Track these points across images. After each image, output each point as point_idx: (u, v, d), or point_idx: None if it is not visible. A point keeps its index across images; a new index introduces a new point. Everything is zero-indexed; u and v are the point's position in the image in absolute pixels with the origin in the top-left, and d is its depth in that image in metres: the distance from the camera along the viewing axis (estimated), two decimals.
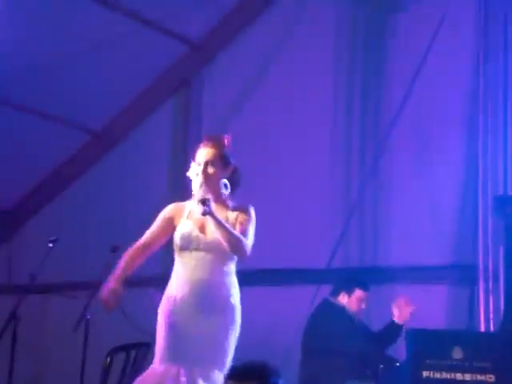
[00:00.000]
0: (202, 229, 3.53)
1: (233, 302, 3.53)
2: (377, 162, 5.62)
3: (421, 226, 5.44)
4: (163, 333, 3.50)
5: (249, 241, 3.54)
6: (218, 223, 3.45)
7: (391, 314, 4.86)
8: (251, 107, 6.23)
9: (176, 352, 3.45)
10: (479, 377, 3.92)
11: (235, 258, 3.58)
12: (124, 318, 4.31)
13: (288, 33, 6.15)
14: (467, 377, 3.94)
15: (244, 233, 3.53)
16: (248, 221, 3.58)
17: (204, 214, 3.41)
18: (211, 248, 3.50)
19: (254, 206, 5.89)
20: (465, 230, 5.25)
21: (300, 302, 5.38)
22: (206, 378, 3.37)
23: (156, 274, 6.01)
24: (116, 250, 4.86)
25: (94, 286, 5.08)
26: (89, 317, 4.96)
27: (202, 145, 3.65)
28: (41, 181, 6.85)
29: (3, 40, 5.42)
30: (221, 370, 3.42)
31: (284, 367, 4.33)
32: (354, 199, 5.69)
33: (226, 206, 3.62)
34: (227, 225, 3.49)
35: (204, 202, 3.41)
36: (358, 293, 4.90)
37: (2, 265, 6.85)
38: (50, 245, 4.88)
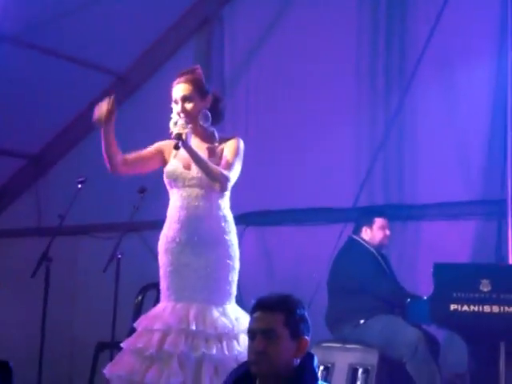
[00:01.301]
0: (188, 166, 3.49)
1: (225, 236, 3.49)
2: (402, 99, 5.55)
3: (447, 162, 5.40)
4: (161, 273, 3.53)
5: (232, 173, 3.46)
6: (194, 157, 3.38)
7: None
8: (273, 45, 6.15)
9: (172, 292, 3.46)
10: (507, 309, 3.96)
11: (227, 191, 3.51)
12: (153, 258, 4.36)
13: None
14: (495, 309, 3.98)
15: (227, 165, 3.45)
16: (233, 153, 3.49)
17: (176, 147, 3.35)
18: (197, 183, 3.46)
19: (278, 145, 5.93)
20: (493, 164, 5.20)
21: (326, 240, 5.41)
22: (203, 315, 3.36)
23: None
24: (143, 192, 4.92)
25: (123, 227, 5.17)
26: (120, 256, 5.05)
27: (175, 82, 3.55)
28: (67, 124, 6.88)
29: None
30: (218, 306, 3.42)
31: (311, 305, 4.43)
32: (380, 137, 5.65)
33: (212, 138, 3.56)
34: (204, 158, 3.41)
35: (179, 136, 3.33)
36: (379, 221, 4.92)
37: (31, 208, 6.94)
38: (79, 185, 4.92)
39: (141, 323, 3.49)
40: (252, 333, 2.50)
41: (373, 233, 4.91)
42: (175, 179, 3.51)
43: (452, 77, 5.44)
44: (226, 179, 3.43)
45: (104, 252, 5.22)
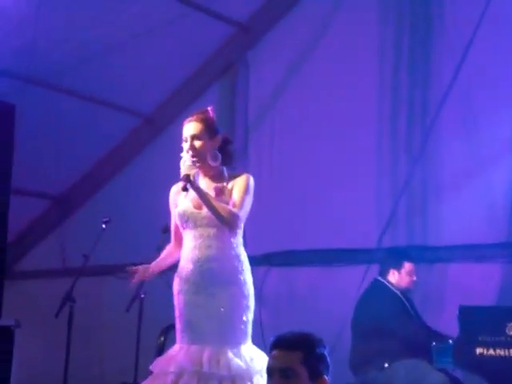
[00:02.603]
0: (199, 206, 3.48)
1: (239, 275, 3.46)
2: (426, 139, 5.55)
3: (472, 203, 5.35)
4: (176, 314, 3.53)
5: (242, 211, 3.44)
6: (202, 197, 3.39)
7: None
8: (296, 89, 6.22)
9: (186, 333, 3.45)
10: None
11: (239, 229, 3.49)
12: None
13: (331, 13, 6.10)
14: None
15: (236, 203, 3.44)
16: (242, 190, 3.47)
17: (184, 189, 3.37)
18: (209, 223, 3.44)
19: (303, 186, 5.95)
20: None
21: (350, 281, 5.37)
22: (217, 357, 3.32)
23: None
24: (167, 231, 4.93)
25: None
26: (143, 296, 5.04)
27: (186, 121, 3.59)
28: (93, 166, 6.97)
29: (55, 27, 5.53)
30: (232, 347, 3.38)
31: (335, 346, 4.38)
32: (403, 178, 5.64)
33: (222, 177, 3.55)
34: (212, 197, 3.41)
35: (186, 177, 3.35)
36: (407, 266, 4.88)
37: (56, 249, 6.99)
38: (103, 225, 4.96)
39: (156, 366, 3.48)
40: (270, 371, 2.47)
41: (400, 276, 4.87)
42: (186, 220, 3.50)
43: (476, 118, 5.43)
44: (236, 217, 3.42)
45: (128, 292, 5.22)
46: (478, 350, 4.02)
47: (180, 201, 3.58)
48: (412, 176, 5.59)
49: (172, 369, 3.35)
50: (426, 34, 5.75)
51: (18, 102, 5.18)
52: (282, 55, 6.32)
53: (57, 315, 4.88)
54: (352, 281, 5.34)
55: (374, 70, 5.89)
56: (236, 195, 3.47)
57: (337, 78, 6.00)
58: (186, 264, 3.50)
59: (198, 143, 3.50)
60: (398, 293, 4.84)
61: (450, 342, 4.29)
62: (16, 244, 7.00)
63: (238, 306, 3.44)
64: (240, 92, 6.51)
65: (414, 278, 4.89)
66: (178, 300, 3.52)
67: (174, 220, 3.63)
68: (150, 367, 3.51)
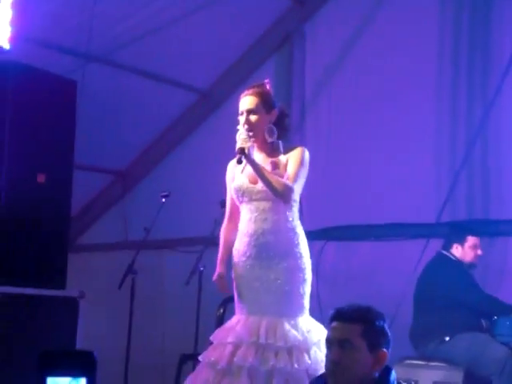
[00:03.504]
0: (254, 180, 3.48)
1: (295, 248, 3.46)
2: (486, 113, 5.44)
3: None
4: (234, 286, 3.57)
5: (297, 184, 3.44)
6: (257, 171, 3.39)
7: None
8: (353, 64, 6.15)
9: (244, 305, 3.50)
10: None
11: (294, 202, 3.48)
12: None
13: None
14: None
15: (291, 176, 3.43)
16: (297, 164, 3.46)
17: (239, 162, 3.37)
18: (264, 197, 3.45)
19: (361, 160, 5.91)
20: None
21: (409, 256, 5.34)
22: (274, 328, 3.36)
23: None
24: (224, 205, 4.99)
25: (206, 240, 5.26)
26: (202, 269, 5.13)
27: (242, 94, 3.57)
28: (152, 141, 7.06)
29: (111, 5, 5.59)
30: (290, 318, 3.40)
31: (393, 320, 4.37)
32: (462, 151, 5.55)
33: (277, 151, 3.53)
34: (267, 171, 3.40)
35: (241, 150, 3.35)
36: (471, 240, 4.83)
37: (118, 223, 7.13)
38: (163, 199, 5.05)
39: (216, 336, 3.54)
40: (329, 343, 2.50)
41: (464, 251, 4.84)
42: (242, 194, 3.53)
43: None
44: (290, 190, 3.42)
45: (188, 265, 5.32)
46: None
47: (237, 176, 3.60)
48: (472, 150, 5.49)
49: (230, 339, 3.41)
50: (487, 6, 5.60)
51: (79, 79, 5.28)
52: (339, 27, 6.24)
53: (120, 286, 5.02)
54: (411, 255, 5.30)
55: (432, 44, 5.77)
56: (290, 168, 3.46)
57: (394, 52, 5.90)
58: (242, 237, 3.53)
59: (253, 117, 3.49)
60: (463, 265, 4.80)
61: None
62: (79, 218, 7.16)
63: (295, 279, 3.46)
64: (297, 65, 6.48)
65: (479, 253, 4.84)
66: (236, 272, 3.56)
67: (230, 195, 3.65)
68: (210, 338, 3.58)
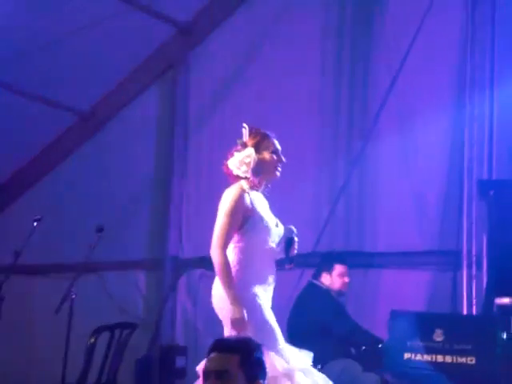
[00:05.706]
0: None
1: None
2: (363, 148, 5.62)
3: (405, 212, 5.46)
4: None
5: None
6: None
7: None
8: (238, 88, 6.21)
9: None
10: (460, 359, 3.97)
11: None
12: (109, 299, 4.30)
13: (274, 19, 6.13)
14: (448, 359, 3.99)
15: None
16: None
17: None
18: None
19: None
20: (449, 216, 5.28)
21: (284, 285, 5.38)
22: None
23: (142, 258, 6.05)
24: (101, 231, 4.86)
25: (79, 267, 5.10)
26: (74, 296, 4.96)
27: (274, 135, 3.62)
28: (27, 162, 6.85)
29: None
30: None
31: None
32: (340, 185, 5.70)
33: None
34: None
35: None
36: (338, 268, 4.93)
37: None
38: (35, 223, 4.87)
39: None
40: (207, 373, 2.47)
41: (332, 279, 4.93)
42: (277, 240, 3.61)
43: (412, 128, 5.54)
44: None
45: (59, 292, 5.13)
46: (406, 355, 4.08)
47: (262, 211, 3.52)
48: (349, 181, 5.65)
49: None
50: (367, 46, 5.84)
51: None
52: (223, 56, 6.32)
53: None
54: (286, 284, 5.35)
55: (315, 79, 5.93)
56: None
57: (277, 84, 6.02)
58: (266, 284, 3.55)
59: None
60: (332, 293, 4.90)
61: (380, 346, 4.35)
62: None
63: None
64: (180, 92, 6.49)
65: (347, 280, 4.95)
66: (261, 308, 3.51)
67: (237, 225, 3.45)
68: (197, 368, 3.41)
